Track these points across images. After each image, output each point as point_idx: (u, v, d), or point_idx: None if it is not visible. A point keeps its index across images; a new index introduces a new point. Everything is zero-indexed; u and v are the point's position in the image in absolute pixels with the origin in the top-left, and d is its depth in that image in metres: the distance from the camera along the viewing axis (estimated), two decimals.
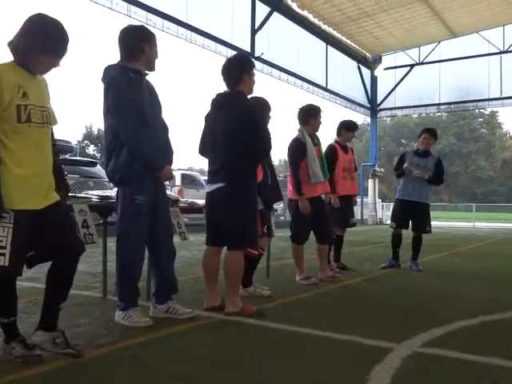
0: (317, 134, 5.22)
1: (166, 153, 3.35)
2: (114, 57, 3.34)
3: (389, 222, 6.84)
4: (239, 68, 3.63)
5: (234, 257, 3.56)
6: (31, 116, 2.36)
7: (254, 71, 3.76)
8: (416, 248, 6.39)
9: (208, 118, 3.76)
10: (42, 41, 2.37)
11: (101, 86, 3.26)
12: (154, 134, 3.21)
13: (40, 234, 2.42)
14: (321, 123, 5.19)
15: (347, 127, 6.03)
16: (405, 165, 6.25)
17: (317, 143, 5.11)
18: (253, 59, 15.03)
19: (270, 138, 3.69)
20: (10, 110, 2.30)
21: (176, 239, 3.67)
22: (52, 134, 2.62)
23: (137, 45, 3.21)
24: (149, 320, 3.22)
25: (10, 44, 2.40)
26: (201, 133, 3.85)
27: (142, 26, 3.45)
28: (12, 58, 2.41)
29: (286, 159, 5.41)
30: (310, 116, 5.09)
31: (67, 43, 2.47)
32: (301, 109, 5.16)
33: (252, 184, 3.62)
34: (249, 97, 3.81)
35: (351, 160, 6.05)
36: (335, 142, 6.06)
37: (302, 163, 4.92)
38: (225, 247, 3.68)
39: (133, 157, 3.14)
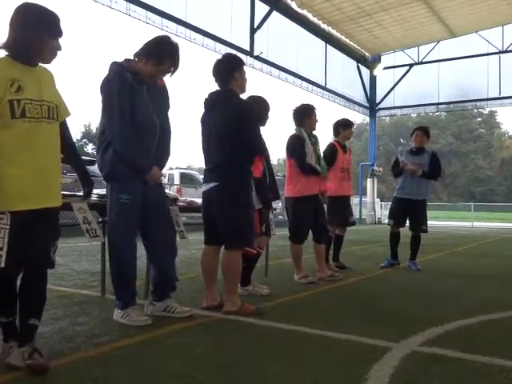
0: (314, 133, 5.21)
1: (159, 155, 3.31)
2: (113, 55, 3.34)
3: (387, 221, 6.85)
4: (229, 66, 3.63)
5: (232, 256, 3.55)
6: (26, 111, 2.27)
7: (248, 70, 3.75)
8: (414, 248, 6.39)
9: (202, 119, 3.75)
10: (48, 27, 2.33)
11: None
12: (143, 137, 3.17)
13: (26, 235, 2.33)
14: (317, 121, 5.16)
15: (344, 125, 6.03)
16: (401, 159, 6.31)
17: (313, 143, 5.10)
18: (252, 58, 15.11)
19: (260, 142, 3.68)
20: (3, 105, 2.23)
21: None
22: (66, 126, 2.55)
23: (146, 52, 3.19)
24: (147, 319, 3.22)
25: (6, 43, 2.31)
26: (200, 136, 3.82)
27: (171, 43, 3.24)
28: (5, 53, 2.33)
29: (285, 158, 5.41)
30: (304, 116, 5.07)
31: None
32: (295, 110, 5.12)
33: (246, 182, 3.61)
34: (247, 96, 3.79)
35: (349, 161, 6.07)
36: (335, 141, 6.07)
37: None
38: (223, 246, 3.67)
39: (118, 156, 3.14)
